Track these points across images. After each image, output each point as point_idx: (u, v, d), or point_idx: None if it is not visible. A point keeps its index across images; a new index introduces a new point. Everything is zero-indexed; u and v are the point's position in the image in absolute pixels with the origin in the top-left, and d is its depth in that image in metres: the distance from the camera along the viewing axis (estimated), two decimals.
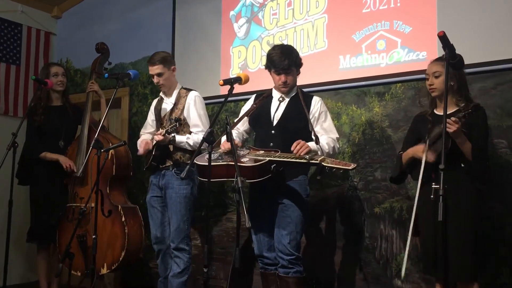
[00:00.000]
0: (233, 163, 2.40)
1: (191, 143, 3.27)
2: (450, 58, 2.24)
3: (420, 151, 2.54)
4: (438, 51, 3.02)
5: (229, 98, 3.52)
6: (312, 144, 2.75)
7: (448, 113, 2.53)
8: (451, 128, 2.39)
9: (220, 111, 2.69)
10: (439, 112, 2.63)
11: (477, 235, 2.51)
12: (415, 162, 2.64)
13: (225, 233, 3.98)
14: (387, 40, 3.42)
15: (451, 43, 2.23)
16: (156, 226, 3.38)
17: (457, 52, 2.28)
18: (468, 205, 2.51)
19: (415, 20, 3.32)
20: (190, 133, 3.34)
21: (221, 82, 2.72)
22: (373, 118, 3.46)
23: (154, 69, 3.35)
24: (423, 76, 3.20)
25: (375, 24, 3.47)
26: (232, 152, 2.52)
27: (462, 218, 2.48)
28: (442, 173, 2.12)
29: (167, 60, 3.39)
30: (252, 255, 3.10)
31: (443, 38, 2.13)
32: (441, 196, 2.05)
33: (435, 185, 2.44)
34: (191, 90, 3.45)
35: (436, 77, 2.62)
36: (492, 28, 3.03)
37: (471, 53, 2.62)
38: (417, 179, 2.58)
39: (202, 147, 2.62)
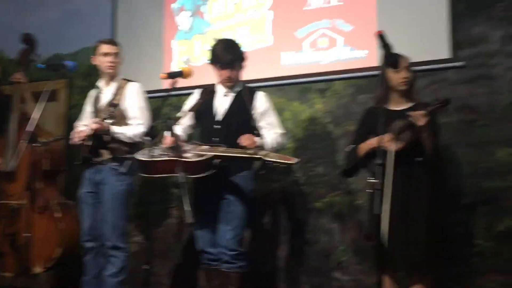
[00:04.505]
0: (176, 159, 2.36)
1: (130, 135, 3.15)
2: (388, 57, 2.32)
3: (386, 142, 2.51)
4: (378, 50, 3.11)
5: (172, 92, 3.46)
6: (258, 140, 2.76)
7: (403, 108, 2.64)
8: (420, 121, 2.46)
9: (162, 105, 2.64)
10: (393, 107, 2.69)
11: (433, 229, 2.56)
12: (370, 155, 2.69)
13: (168, 229, 3.91)
14: (329, 38, 3.49)
15: (389, 42, 2.31)
16: (88, 223, 3.24)
17: (395, 51, 2.36)
18: (425, 198, 2.56)
19: (356, 19, 3.41)
20: (128, 125, 3.24)
21: (163, 75, 2.67)
22: (315, 114, 3.52)
23: (114, 48, 3.27)
24: (363, 73, 3.33)
25: (317, 22, 3.53)
26: (175, 147, 2.48)
27: (420, 211, 2.53)
28: (379, 167, 2.17)
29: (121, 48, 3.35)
30: (195, 251, 3.07)
31: (380, 37, 2.20)
32: (377, 190, 2.10)
33: (372, 179, 2.50)
34: (132, 81, 3.35)
35: (410, 70, 2.68)
36: (426, 29, 3.16)
37: (408, 53, 2.71)
38: (373, 172, 2.63)
39: (142, 142, 2.56)
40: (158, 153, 2.77)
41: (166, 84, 3.03)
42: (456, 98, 2.99)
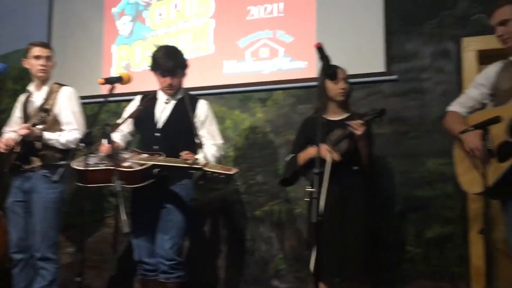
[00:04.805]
0: (113, 168, 2.30)
1: (63, 141, 3.03)
2: (326, 69, 2.38)
3: (324, 152, 2.56)
4: (317, 61, 3.18)
5: (111, 98, 3.37)
6: (199, 157, 2.70)
7: (340, 118, 2.73)
8: (358, 130, 2.53)
9: (99, 111, 2.56)
10: (331, 117, 2.76)
11: (370, 236, 2.63)
12: (309, 164, 2.74)
13: (103, 239, 3.79)
14: (271, 48, 3.54)
15: (328, 54, 2.37)
16: (17, 233, 3.08)
17: (333, 63, 2.42)
18: (362, 206, 2.63)
19: (296, 31, 3.48)
20: (61, 131, 3.12)
21: (101, 80, 2.59)
22: (256, 123, 3.55)
23: (46, 51, 3.15)
24: (303, 84, 3.40)
25: (259, 32, 3.58)
26: (112, 156, 2.41)
27: (356, 219, 2.59)
28: (317, 176, 2.20)
29: (54, 51, 3.23)
30: (132, 262, 2.99)
31: (319, 49, 2.25)
32: (315, 199, 2.13)
33: (309, 187, 2.55)
34: (64, 85, 3.23)
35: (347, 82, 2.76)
36: (364, 43, 3.29)
37: (346, 65, 2.80)
38: (311, 181, 2.67)
39: (76, 148, 2.46)
40: (95, 162, 2.70)
41: (105, 89, 2.95)
42: (390, 110, 3.10)
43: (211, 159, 2.80)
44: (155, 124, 2.91)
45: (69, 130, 3.08)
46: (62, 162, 2.97)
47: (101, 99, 2.98)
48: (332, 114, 2.78)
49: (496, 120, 2.18)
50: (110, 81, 2.58)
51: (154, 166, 2.66)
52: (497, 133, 2.23)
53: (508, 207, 2.28)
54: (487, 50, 3.00)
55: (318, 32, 3.39)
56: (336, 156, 2.57)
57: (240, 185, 3.53)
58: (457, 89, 3.05)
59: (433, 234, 3.02)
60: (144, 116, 2.96)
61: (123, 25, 4.02)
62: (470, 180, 2.36)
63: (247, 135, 3.57)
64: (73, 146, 2.97)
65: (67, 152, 2.97)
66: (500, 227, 2.87)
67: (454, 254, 2.96)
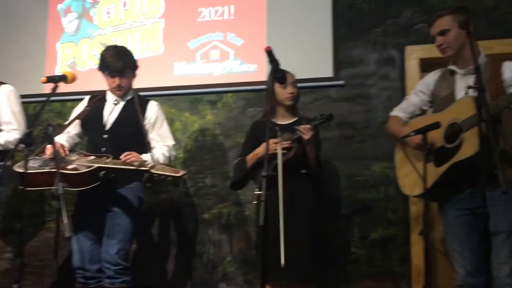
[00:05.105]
0: (57, 170, 2.22)
1: (1, 142, 2.90)
2: (275, 73, 2.40)
3: (272, 145, 2.55)
4: (266, 65, 3.21)
5: (55, 98, 3.26)
6: (145, 156, 2.68)
7: (288, 122, 2.76)
8: (306, 135, 2.55)
9: (41, 111, 2.47)
10: (279, 121, 2.78)
11: (317, 238, 2.67)
12: (257, 166, 2.75)
13: (44, 244, 3.64)
14: (221, 51, 3.54)
15: (277, 58, 2.39)
16: None
17: (282, 67, 2.45)
18: (309, 209, 2.67)
19: (247, 34, 3.50)
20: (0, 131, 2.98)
21: (44, 79, 2.51)
22: (205, 126, 3.53)
23: None
24: (253, 87, 3.42)
25: (210, 34, 3.57)
26: (56, 158, 2.33)
27: (304, 221, 2.62)
28: (265, 179, 2.21)
29: None
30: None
31: (269, 53, 2.27)
32: (262, 202, 2.14)
33: (258, 191, 2.57)
34: (3, 83, 3.08)
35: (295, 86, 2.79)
36: (312, 49, 3.35)
37: (295, 69, 2.85)
38: (260, 184, 2.68)
39: (16, 150, 2.36)
40: (39, 164, 2.61)
41: (48, 88, 2.84)
42: (337, 115, 3.16)
43: (161, 157, 2.77)
44: (103, 125, 2.84)
45: (8, 130, 2.95)
46: (0, 164, 2.84)
47: (44, 98, 2.89)
48: (281, 118, 2.81)
49: (436, 125, 2.28)
50: (53, 79, 2.49)
51: (100, 168, 2.60)
52: (435, 138, 2.33)
53: (444, 210, 2.39)
54: (429, 58, 3.12)
55: (268, 36, 3.42)
56: (287, 143, 2.59)
57: (189, 187, 3.50)
58: (401, 95, 3.16)
59: (377, 235, 3.11)
60: (92, 117, 2.88)
61: (69, 22, 3.90)
62: (410, 183, 2.46)
63: (197, 138, 3.54)
64: (12, 146, 2.84)
65: (6, 153, 2.84)
66: (439, 228, 3.01)
67: (396, 255, 3.06)
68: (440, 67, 2.60)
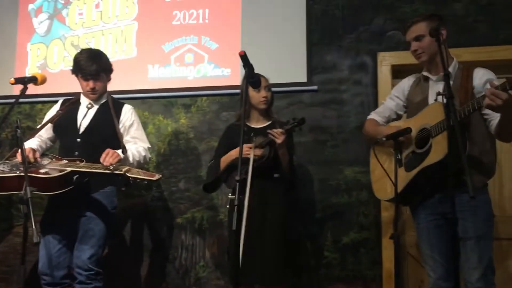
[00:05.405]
0: (28, 174, 2.17)
1: None
2: (249, 77, 2.40)
3: (246, 149, 2.56)
4: (241, 69, 3.22)
5: (24, 100, 3.19)
6: (121, 155, 2.65)
7: (262, 126, 2.78)
8: (279, 139, 2.56)
9: (9, 113, 2.41)
10: (253, 124, 2.80)
11: (288, 242, 2.67)
12: (230, 169, 2.75)
13: (12, 250, 3.55)
14: (195, 54, 3.53)
15: (251, 63, 2.40)
16: None
17: (256, 72, 2.46)
18: (281, 213, 2.67)
19: (221, 38, 3.50)
20: None
21: (12, 80, 2.46)
22: (179, 129, 3.51)
23: None
24: (227, 91, 3.42)
25: (185, 37, 3.55)
26: (27, 162, 2.28)
27: (275, 225, 2.62)
28: (238, 184, 2.21)
29: None
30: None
31: (243, 57, 2.27)
32: (235, 206, 2.13)
33: (231, 195, 2.57)
34: None
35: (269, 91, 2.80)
36: (287, 54, 3.37)
37: (269, 74, 2.86)
38: (232, 187, 2.68)
39: None
40: (9, 168, 2.57)
41: (17, 90, 2.78)
42: (311, 120, 3.22)
43: (136, 155, 2.76)
44: (76, 129, 2.79)
45: None
46: None
47: (12, 100, 2.82)
48: (255, 121, 2.82)
49: (406, 131, 2.32)
50: (23, 81, 2.45)
51: (73, 172, 2.56)
52: (407, 143, 2.37)
53: (416, 214, 2.43)
54: (401, 65, 3.19)
55: (243, 40, 3.43)
56: (259, 151, 2.60)
57: (162, 191, 3.47)
58: (373, 101, 3.21)
59: (349, 239, 3.14)
60: (65, 121, 2.84)
61: (40, 23, 3.82)
62: (382, 188, 2.49)
63: (170, 141, 3.52)
64: None
65: None
66: (410, 233, 3.07)
67: (368, 259, 3.09)
68: (411, 73, 2.65)
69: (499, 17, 3.13)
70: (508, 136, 2.27)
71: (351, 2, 3.37)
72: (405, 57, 3.18)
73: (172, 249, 3.39)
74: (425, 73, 2.47)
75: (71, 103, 2.89)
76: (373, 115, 2.67)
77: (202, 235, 3.35)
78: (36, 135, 2.85)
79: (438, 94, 2.15)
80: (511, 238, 3.01)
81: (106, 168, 2.49)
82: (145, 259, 3.41)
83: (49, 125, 2.87)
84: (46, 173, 2.57)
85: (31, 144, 2.77)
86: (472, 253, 2.19)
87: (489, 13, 3.15)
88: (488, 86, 2.11)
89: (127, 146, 2.79)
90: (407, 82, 2.58)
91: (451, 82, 2.32)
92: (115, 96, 3.29)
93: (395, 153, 2.26)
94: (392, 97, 2.63)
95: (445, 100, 1.94)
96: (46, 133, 2.90)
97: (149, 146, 2.95)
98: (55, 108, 2.92)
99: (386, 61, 3.25)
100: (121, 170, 2.45)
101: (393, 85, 3.20)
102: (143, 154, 2.83)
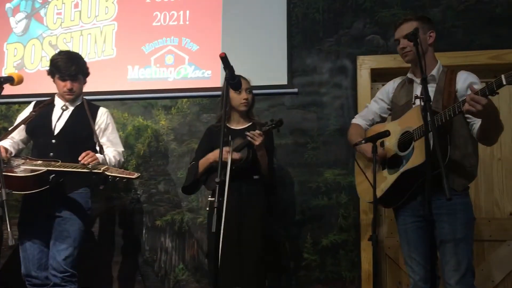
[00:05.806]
0: (4, 173, 2.14)
1: None
2: (230, 79, 2.40)
3: (225, 153, 2.50)
4: (221, 71, 3.21)
5: (1, 100, 3.13)
6: (99, 156, 2.65)
7: (242, 127, 2.78)
8: (256, 141, 2.56)
9: None
10: (233, 126, 2.80)
11: (266, 244, 2.67)
12: (209, 172, 2.74)
13: None
14: (176, 56, 3.51)
15: (232, 65, 2.40)
16: None
17: (237, 74, 2.46)
18: (260, 215, 2.67)
19: (202, 40, 3.49)
20: None
21: None
22: (159, 131, 3.49)
23: None
24: (208, 93, 3.41)
25: (165, 38, 3.54)
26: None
27: (254, 227, 2.62)
28: (217, 186, 2.20)
29: None
30: (18, 276, 2.78)
31: (224, 59, 2.27)
32: (215, 208, 2.13)
33: (211, 197, 2.56)
34: None
35: (250, 93, 2.80)
36: (268, 56, 3.37)
37: (250, 76, 2.85)
38: (211, 189, 2.67)
39: None
40: None
41: None
42: (291, 122, 3.24)
43: (112, 160, 2.77)
44: (51, 130, 2.77)
45: None
46: None
47: None
48: (235, 123, 2.82)
49: (385, 134, 2.33)
50: None
51: (49, 172, 2.54)
52: (390, 146, 2.39)
53: (399, 216, 2.44)
54: (380, 68, 3.23)
55: (223, 42, 3.42)
56: (237, 155, 2.60)
57: (141, 194, 3.44)
58: (353, 104, 3.24)
59: (328, 241, 3.15)
60: (39, 122, 2.81)
61: (17, 22, 3.76)
62: (365, 190, 2.51)
63: (150, 143, 3.49)
64: None
65: None
66: (390, 235, 3.11)
67: (347, 260, 3.12)
68: (390, 77, 2.68)
69: (475, 23, 3.19)
70: (489, 140, 2.29)
71: (332, 6, 3.40)
72: (384, 61, 3.22)
73: (151, 251, 3.36)
74: (410, 75, 2.48)
75: (45, 104, 2.88)
76: (357, 119, 2.68)
77: (182, 238, 3.33)
78: (8, 137, 2.82)
79: (416, 97, 2.18)
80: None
81: (85, 166, 2.50)
82: (124, 261, 3.37)
83: (22, 126, 2.84)
84: (22, 172, 2.54)
85: (3, 144, 2.75)
86: (451, 256, 2.21)
87: (465, 19, 3.21)
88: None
89: (103, 148, 2.78)
90: (392, 85, 2.59)
91: (435, 85, 2.36)
92: (95, 97, 3.26)
93: (373, 156, 2.28)
94: (376, 99, 2.64)
95: (422, 103, 1.97)
96: (18, 134, 2.87)
97: (123, 150, 2.97)
98: (28, 110, 2.90)
99: (365, 64, 3.28)
100: (100, 169, 2.47)
101: (372, 88, 3.25)
102: (118, 158, 2.85)
